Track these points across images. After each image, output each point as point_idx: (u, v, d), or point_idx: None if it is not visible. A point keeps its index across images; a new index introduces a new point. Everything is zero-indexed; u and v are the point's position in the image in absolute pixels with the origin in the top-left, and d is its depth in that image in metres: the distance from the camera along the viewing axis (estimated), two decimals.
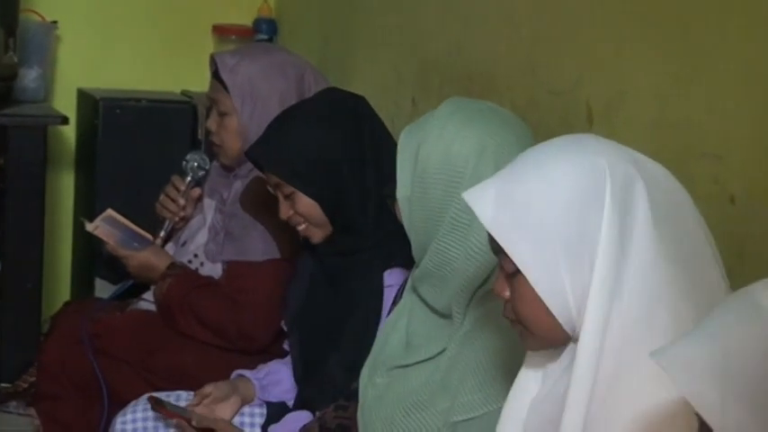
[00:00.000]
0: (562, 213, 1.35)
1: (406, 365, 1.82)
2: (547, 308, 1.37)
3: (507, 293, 1.42)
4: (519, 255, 1.36)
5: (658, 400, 1.32)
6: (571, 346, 1.40)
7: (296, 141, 2.16)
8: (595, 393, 1.34)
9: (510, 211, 1.37)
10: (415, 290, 1.86)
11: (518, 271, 1.37)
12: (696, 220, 1.41)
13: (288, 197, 2.18)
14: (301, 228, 2.21)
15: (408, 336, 1.85)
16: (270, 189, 2.35)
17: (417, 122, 1.82)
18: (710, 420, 1.07)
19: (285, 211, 2.19)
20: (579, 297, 1.35)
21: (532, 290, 1.37)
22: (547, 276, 1.35)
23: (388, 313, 2.04)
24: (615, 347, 1.34)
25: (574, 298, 1.36)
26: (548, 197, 1.36)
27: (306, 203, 2.17)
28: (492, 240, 1.40)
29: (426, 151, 1.75)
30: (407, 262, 1.99)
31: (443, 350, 1.78)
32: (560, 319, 1.37)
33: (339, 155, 2.16)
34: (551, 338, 1.40)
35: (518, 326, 1.42)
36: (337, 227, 2.18)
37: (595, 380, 1.34)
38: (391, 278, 2.11)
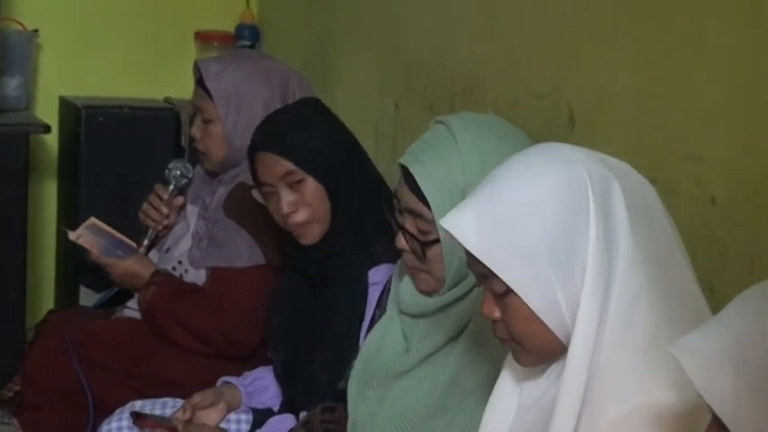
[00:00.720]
0: (549, 227, 1.35)
1: (409, 370, 1.80)
2: (542, 322, 1.37)
3: (497, 314, 1.41)
4: (510, 276, 1.35)
5: (642, 401, 1.32)
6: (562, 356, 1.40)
7: (311, 130, 2.18)
8: (586, 396, 1.34)
9: (496, 234, 1.36)
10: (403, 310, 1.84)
11: (508, 290, 1.37)
12: (663, 214, 1.42)
13: (295, 186, 2.16)
14: (300, 221, 2.18)
15: (407, 338, 1.84)
16: (254, 194, 2.35)
17: (427, 152, 1.73)
18: (722, 412, 1.08)
19: (289, 203, 2.16)
20: (572, 305, 1.36)
21: (526, 307, 1.36)
22: (540, 292, 1.35)
23: (373, 311, 2.03)
24: (604, 350, 1.35)
25: (567, 307, 1.36)
26: (533, 214, 1.35)
27: (315, 192, 2.16)
28: (474, 263, 1.39)
29: (475, 185, 1.70)
30: (391, 259, 1.99)
31: (452, 340, 1.75)
32: (556, 332, 1.37)
33: (349, 146, 2.19)
34: (547, 352, 1.40)
35: (511, 343, 1.42)
36: (335, 222, 2.17)
37: (587, 383, 1.34)
38: (376, 276, 2.11)
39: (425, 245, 1.73)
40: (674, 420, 1.30)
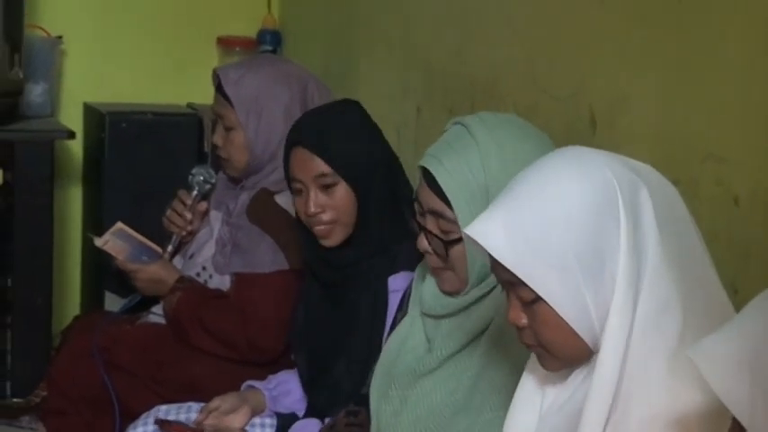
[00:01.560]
0: (579, 235, 1.34)
1: (432, 370, 1.80)
2: (571, 329, 1.36)
3: (524, 321, 1.40)
4: (540, 285, 1.34)
5: (672, 406, 1.32)
6: (594, 358, 1.39)
7: (353, 135, 2.18)
8: (614, 401, 1.34)
9: (525, 242, 1.34)
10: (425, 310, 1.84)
11: (537, 298, 1.36)
12: (686, 216, 1.42)
13: (327, 189, 2.17)
14: (325, 224, 2.18)
15: (430, 339, 1.84)
16: (278, 198, 2.35)
17: (446, 151, 1.73)
18: (740, 415, 1.08)
19: (317, 204, 2.16)
20: (601, 311, 1.35)
21: (556, 315, 1.36)
22: (570, 299, 1.35)
23: (393, 319, 2.04)
24: (633, 355, 1.34)
25: (596, 314, 1.35)
26: (562, 221, 1.34)
27: (345, 196, 2.16)
28: (500, 271, 1.38)
29: (498, 187, 1.65)
30: (412, 266, 1.99)
31: (475, 339, 1.75)
32: (585, 338, 1.37)
33: (386, 156, 2.20)
34: (574, 357, 1.40)
35: (538, 349, 1.41)
36: (358, 228, 2.17)
37: (617, 389, 1.34)
38: (396, 283, 2.11)
39: (448, 244, 1.74)
40: (700, 423, 1.30)
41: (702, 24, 1.74)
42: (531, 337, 1.41)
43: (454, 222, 1.72)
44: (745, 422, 1.08)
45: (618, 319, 1.34)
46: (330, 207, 2.16)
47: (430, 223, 1.76)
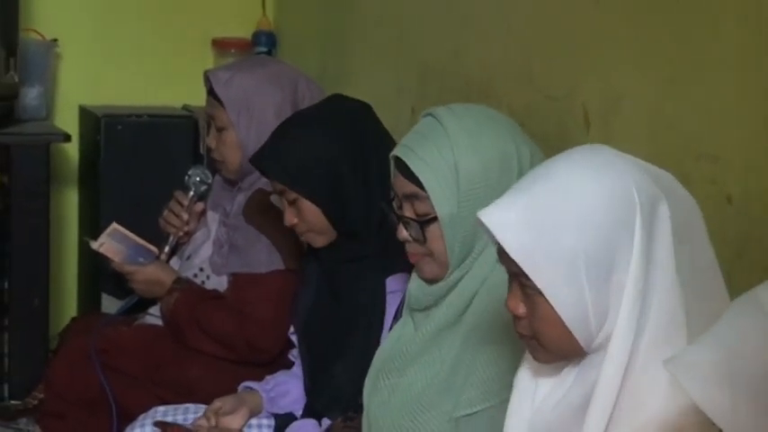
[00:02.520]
0: (591, 240, 1.34)
1: (418, 352, 1.81)
2: (566, 327, 1.37)
3: (522, 311, 1.40)
4: (545, 281, 1.35)
5: (669, 412, 1.33)
6: (586, 358, 1.40)
7: (298, 147, 2.17)
8: (615, 410, 1.35)
9: (537, 238, 1.34)
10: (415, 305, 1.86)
11: (539, 293, 1.36)
12: (703, 230, 1.42)
13: (292, 203, 2.19)
14: (304, 235, 2.22)
15: (416, 325, 1.86)
16: (273, 199, 2.37)
17: (417, 139, 1.77)
18: (722, 425, 1.08)
19: (290, 218, 2.20)
20: (600, 318, 1.36)
21: (554, 311, 1.36)
22: (571, 301, 1.35)
23: (393, 319, 2.04)
24: (639, 365, 1.35)
25: (595, 319, 1.36)
26: (577, 222, 1.34)
27: (309, 209, 2.18)
28: (506, 261, 1.38)
29: (467, 165, 1.72)
30: (409, 267, 2.00)
31: (456, 320, 1.77)
32: (580, 339, 1.38)
33: (341, 160, 2.16)
34: (565, 353, 1.41)
35: (531, 341, 1.42)
36: (341, 233, 2.19)
37: (618, 400, 1.35)
38: (394, 284, 2.12)
39: (424, 225, 1.76)
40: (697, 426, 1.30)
41: (696, 24, 1.74)
42: (526, 327, 1.41)
43: (427, 202, 1.75)
44: (728, 430, 1.08)
45: (625, 328, 1.34)
46: (300, 219, 2.19)
47: (406, 209, 1.79)
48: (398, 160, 1.78)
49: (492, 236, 1.37)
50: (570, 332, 1.37)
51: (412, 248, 1.80)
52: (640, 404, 1.35)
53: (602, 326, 1.36)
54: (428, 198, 1.75)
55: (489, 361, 1.72)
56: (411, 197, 1.77)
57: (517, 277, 1.39)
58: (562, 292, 1.35)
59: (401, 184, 1.78)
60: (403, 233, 1.79)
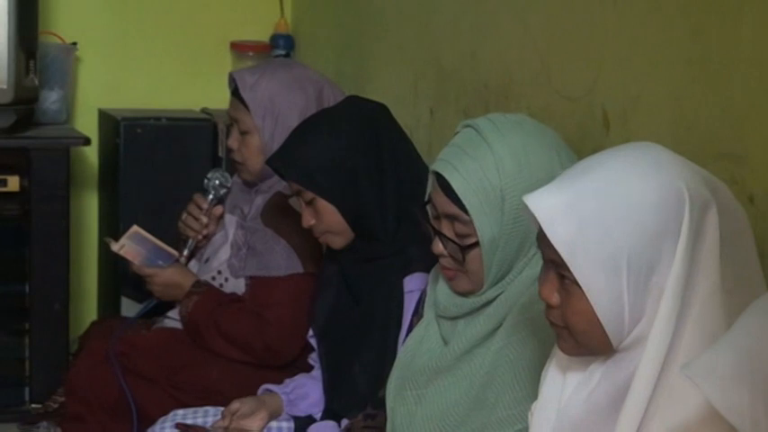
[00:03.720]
0: (637, 238, 1.33)
1: (448, 367, 1.80)
2: (599, 324, 1.35)
3: (556, 300, 1.39)
4: (584, 275, 1.33)
5: (705, 425, 1.32)
6: (615, 356, 1.39)
7: (314, 148, 2.18)
8: (648, 412, 1.34)
9: (581, 228, 1.32)
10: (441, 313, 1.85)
11: (575, 283, 1.35)
12: (751, 241, 1.40)
13: (309, 204, 2.19)
14: (322, 236, 2.22)
15: (446, 340, 1.84)
16: (292, 202, 2.37)
17: (460, 156, 1.73)
18: (741, 427, 1.08)
19: (307, 219, 2.20)
20: (635, 318, 1.35)
21: (588, 304, 1.35)
22: (609, 298, 1.34)
23: (410, 323, 2.04)
24: (675, 374, 1.34)
25: (629, 319, 1.35)
26: (624, 220, 1.32)
27: (326, 209, 2.18)
28: (547, 249, 1.36)
29: (513, 191, 1.69)
30: (427, 267, 1.99)
31: (489, 335, 1.76)
32: (611, 336, 1.36)
33: (357, 161, 2.17)
34: (593, 348, 1.40)
35: (562, 330, 1.41)
36: (358, 233, 2.19)
37: (649, 405, 1.34)
38: (411, 284, 2.11)
39: (465, 249, 1.74)
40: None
41: (715, 22, 1.73)
42: (558, 317, 1.40)
43: (470, 225, 1.72)
44: None
45: (663, 330, 1.33)
46: (318, 220, 2.18)
47: (445, 227, 1.76)
48: (439, 175, 1.75)
49: (536, 221, 1.35)
50: (602, 328, 1.35)
51: (447, 263, 1.78)
52: (676, 406, 1.33)
53: (635, 326, 1.35)
54: (471, 222, 1.72)
55: (522, 381, 1.71)
56: (452, 217, 1.75)
57: (555, 266, 1.37)
58: (600, 288, 1.33)
59: (442, 202, 1.75)
60: (439, 248, 1.77)
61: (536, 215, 1.34)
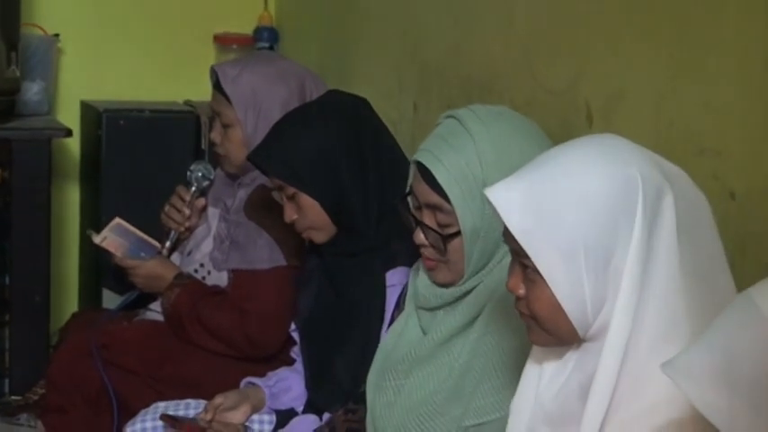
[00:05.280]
0: (592, 224, 1.35)
1: (426, 356, 1.80)
2: (563, 311, 1.37)
3: (522, 291, 1.42)
4: (543, 262, 1.36)
5: (673, 409, 1.32)
6: (583, 345, 1.41)
7: (295, 142, 2.18)
8: (614, 400, 1.35)
9: (538, 217, 1.36)
10: (420, 303, 1.85)
11: (537, 272, 1.38)
12: (712, 228, 1.42)
13: (291, 199, 2.19)
14: (305, 231, 2.22)
15: (425, 330, 1.85)
16: (275, 195, 2.37)
17: (442, 147, 1.74)
18: (720, 425, 1.09)
19: (289, 214, 2.20)
20: (597, 304, 1.37)
21: (550, 292, 1.37)
22: (569, 285, 1.36)
23: (391, 316, 2.04)
24: (637, 356, 1.35)
25: (591, 305, 1.37)
26: (579, 207, 1.35)
27: (308, 204, 2.18)
28: (510, 239, 1.40)
29: (496, 180, 1.69)
30: (409, 261, 1.99)
31: (467, 325, 1.76)
32: (575, 323, 1.38)
33: (338, 155, 2.17)
34: (563, 338, 1.41)
35: (530, 320, 1.43)
36: (340, 228, 2.19)
37: (615, 388, 1.35)
38: (394, 278, 2.12)
39: (446, 238, 1.75)
40: (696, 424, 1.30)
41: (699, 18, 1.74)
42: (525, 306, 1.42)
43: (452, 215, 1.73)
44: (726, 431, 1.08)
45: (623, 316, 1.35)
46: (300, 215, 2.18)
47: (426, 217, 1.77)
48: (421, 165, 1.76)
49: (497, 214, 1.38)
50: (566, 315, 1.37)
51: (428, 254, 1.79)
52: (640, 394, 1.35)
53: (598, 312, 1.37)
54: (453, 212, 1.73)
55: (500, 369, 1.71)
56: (434, 207, 1.76)
57: (518, 256, 1.40)
58: (560, 275, 1.36)
59: (424, 192, 1.76)
60: (421, 238, 1.78)
61: (495, 206, 1.38)
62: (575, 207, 1.35)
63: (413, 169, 1.79)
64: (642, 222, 1.35)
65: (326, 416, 2.17)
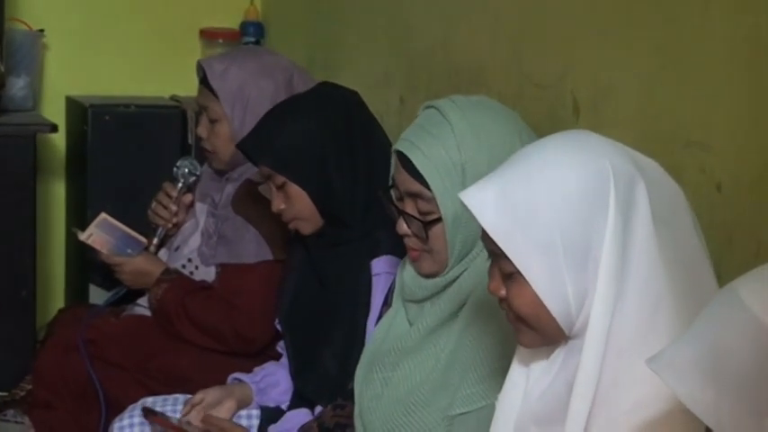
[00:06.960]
0: (567, 218, 1.36)
1: (413, 347, 1.81)
2: (546, 308, 1.37)
3: (503, 292, 1.42)
4: (522, 260, 1.36)
5: (659, 404, 1.33)
6: (570, 343, 1.41)
7: (286, 132, 2.18)
8: (598, 396, 1.35)
9: (513, 216, 1.36)
10: (408, 296, 1.85)
11: (517, 272, 1.38)
12: (689, 217, 1.42)
13: (280, 188, 2.19)
14: (291, 222, 2.22)
15: (412, 323, 1.85)
16: (262, 189, 2.37)
17: (421, 135, 1.75)
18: (706, 419, 1.09)
19: (277, 204, 2.20)
20: (579, 299, 1.37)
21: (532, 291, 1.37)
22: (549, 280, 1.36)
23: (380, 309, 2.04)
24: (619, 350, 1.35)
25: (574, 299, 1.37)
26: (552, 202, 1.36)
27: (296, 194, 2.18)
28: (488, 241, 1.40)
29: (474, 166, 1.71)
30: (394, 249, 2.00)
31: (453, 315, 1.77)
32: (559, 320, 1.38)
33: (327, 145, 2.17)
34: (548, 336, 1.41)
35: (516, 323, 1.43)
36: (327, 219, 2.19)
37: (598, 383, 1.35)
38: (379, 266, 2.12)
39: (427, 225, 1.75)
40: (685, 417, 1.30)
41: (685, 11, 1.74)
42: (509, 308, 1.42)
43: (432, 202, 1.74)
44: (712, 425, 1.09)
45: (602, 308, 1.35)
46: (288, 205, 2.18)
47: (408, 206, 1.78)
48: (402, 154, 1.77)
49: (473, 216, 1.39)
50: (548, 312, 1.37)
51: (412, 243, 1.80)
52: (625, 388, 1.35)
53: (581, 307, 1.37)
54: (433, 198, 1.74)
55: (486, 359, 1.72)
56: (415, 195, 1.76)
57: (497, 258, 1.40)
58: (539, 272, 1.36)
59: (405, 181, 1.77)
60: (403, 228, 1.79)
61: (470, 209, 1.38)
62: (549, 203, 1.35)
63: (394, 159, 1.80)
64: (615, 211, 1.35)
65: (318, 409, 2.17)
